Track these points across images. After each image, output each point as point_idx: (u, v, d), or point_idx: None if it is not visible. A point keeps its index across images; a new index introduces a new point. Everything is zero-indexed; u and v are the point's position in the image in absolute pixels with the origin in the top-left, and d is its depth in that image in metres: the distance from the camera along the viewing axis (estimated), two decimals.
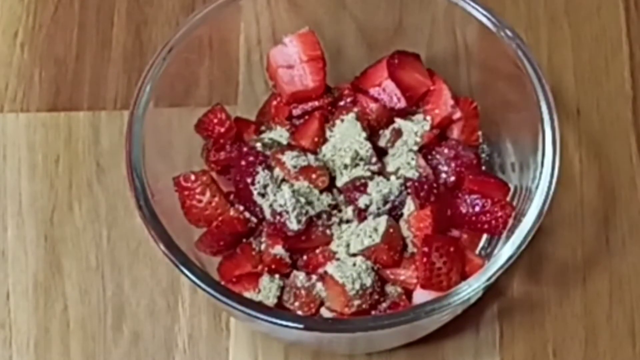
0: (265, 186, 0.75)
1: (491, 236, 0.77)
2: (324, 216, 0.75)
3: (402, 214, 0.75)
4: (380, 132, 0.79)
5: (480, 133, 0.81)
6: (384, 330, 0.69)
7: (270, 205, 0.74)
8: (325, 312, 0.74)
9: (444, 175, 0.77)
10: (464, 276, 0.73)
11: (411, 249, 0.75)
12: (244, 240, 0.77)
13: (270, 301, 0.74)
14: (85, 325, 0.83)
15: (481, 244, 0.78)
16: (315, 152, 0.77)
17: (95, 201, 0.86)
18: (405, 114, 0.79)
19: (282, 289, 0.75)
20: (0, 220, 0.86)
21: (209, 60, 0.81)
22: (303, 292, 0.74)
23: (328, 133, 0.78)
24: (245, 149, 0.77)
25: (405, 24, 0.81)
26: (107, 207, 0.86)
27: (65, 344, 0.82)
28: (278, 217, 0.73)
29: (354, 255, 0.74)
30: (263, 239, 0.75)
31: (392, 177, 0.76)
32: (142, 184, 0.73)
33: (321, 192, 0.75)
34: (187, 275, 0.70)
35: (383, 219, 0.74)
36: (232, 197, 0.77)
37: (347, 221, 0.76)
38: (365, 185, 0.75)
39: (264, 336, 0.81)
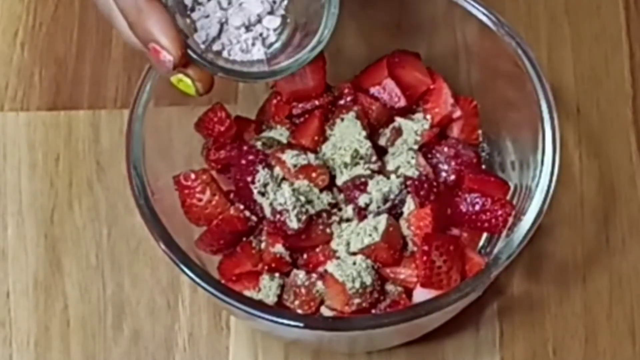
0: (265, 185, 0.75)
1: (491, 235, 0.77)
2: (324, 215, 0.75)
3: (402, 213, 0.75)
4: (380, 130, 0.79)
5: (480, 132, 0.81)
6: (384, 328, 0.69)
7: (271, 204, 0.74)
8: (325, 311, 0.74)
9: (444, 174, 0.77)
10: (463, 275, 0.74)
11: (411, 248, 0.75)
12: (244, 238, 0.77)
13: (271, 300, 0.74)
14: (86, 324, 0.83)
15: (481, 243, 0.78)
16: (315, 151, 0.77)
17: (95, 200, 0.86)
18: (405, 112, 0.79)
19: (282, 287, 0.75)
20: (0, 219, 0.86)
21: None
22: (303, 290, 0.74)
23: (328, 132, 0.78)
24: (245, 148, 0.77)
25: (405, 22, 0.81)
26: (107, 205, 0.86)
27: (66, 343, 0.82)
28: (278, 216, 0.73)
29: (354, 253, 0.74)
30: (263, 238, 0.75)
31: (392, 176, 0.76)
32: (142, 182, 0.73)
33: (321, 190, 0.75)
34: (187, 274, 0.70)
35: (383, 218, 0.74)
36: (232, 195, 0.77)
37: (347, 220, 0.76)
38: (365, 184, 0.75)
39: (264, 335, 0.81)
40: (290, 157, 0.75)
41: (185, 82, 0.67)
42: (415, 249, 0.74)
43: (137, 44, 0.66)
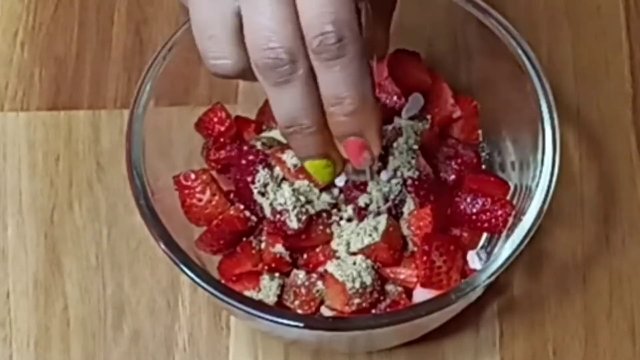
0: (265, 185, 0.75)
1: (491, 235, 0.77)
2: (324, 215, 0.75)
3: (402, 213, 0.75)
4: None
5: (480, 132, 0.81)
6: (384, 328, 0.69)
7: (271, 204, 0.74)
8: (325, 311, 0.74)
9: (444, 174, 0.77)
10: (464, 275, 0.74)
11: (411, 248, 0.75)
12: (244, 238, 0.77)
13: (271, 300, 0.74)
14: (86, 324, 0.83)
15: (481, 243, 0.78)
16: None
17: (96, 200, 0.86)
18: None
19: (282, 287, 0.75)
20: (0, 219, 0.86)
21: None
22: (303, 290, 0.74)
23: None
24: (245, 148, 0.77)
25: (405, 22, 0.80)
26: (107, 206, 0.86)
27: (66, 343, 0.82)
28: (278, 216, 0.73)
29: (354, 254, 0.74)
30: (263, 238, 0.75)
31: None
32: (142, 182, 0.73)
33: (321, 191, 0.75)
34: (187, 274, 0.70)
35: (383, 218, 0.74)
36: (232, 195, 0.77)
37: (348, 220, 0.75)
38: (365, 184, 0.75)
39: (264, 335, 0.81)
40: (290, 157, 0.75)
41: (330, 168, 0.64)
42: (415, 249, 0.74)
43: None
